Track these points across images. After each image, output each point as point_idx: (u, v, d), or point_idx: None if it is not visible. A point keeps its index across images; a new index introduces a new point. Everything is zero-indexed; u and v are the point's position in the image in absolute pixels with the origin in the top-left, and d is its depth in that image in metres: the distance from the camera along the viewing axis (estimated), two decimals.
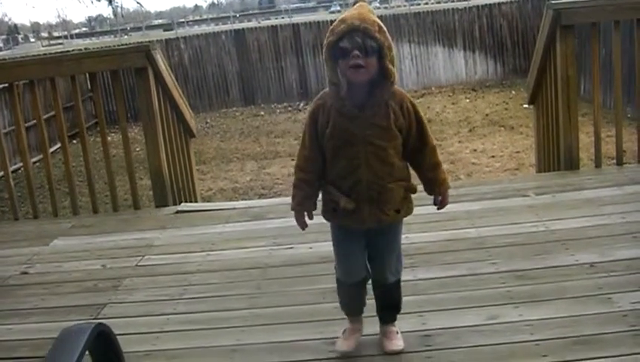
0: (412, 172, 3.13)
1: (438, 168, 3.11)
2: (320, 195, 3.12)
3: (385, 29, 2.84)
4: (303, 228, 3.14)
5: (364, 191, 2.95)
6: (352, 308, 3.32)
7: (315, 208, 3.11)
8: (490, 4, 22.23)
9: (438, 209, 3.18)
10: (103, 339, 1.63)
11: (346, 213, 2.98)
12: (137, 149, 9.34)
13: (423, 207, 4.85)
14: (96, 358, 1.57)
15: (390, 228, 3.12)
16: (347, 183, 2.97)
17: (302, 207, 3.09)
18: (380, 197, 2.97)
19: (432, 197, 3.16)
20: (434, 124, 16.17)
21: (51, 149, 7.10)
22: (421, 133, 3.03)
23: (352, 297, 3.29)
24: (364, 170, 2.93)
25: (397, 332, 3.31)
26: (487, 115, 16.57)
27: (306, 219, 3.11)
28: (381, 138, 2.92)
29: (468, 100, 19.01)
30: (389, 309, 3.33)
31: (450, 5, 22.90)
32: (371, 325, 3.36)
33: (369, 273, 3.24)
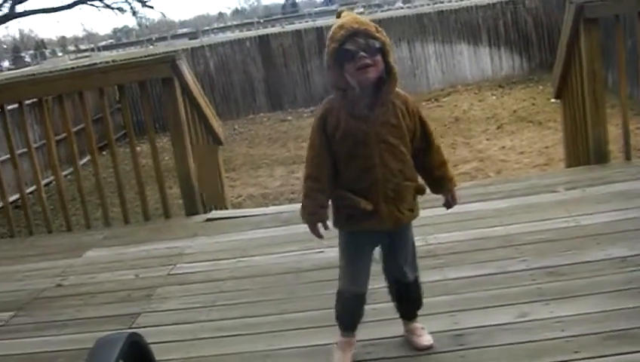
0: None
1: (444, 166, 3.14)
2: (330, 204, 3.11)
3: (381, 29, 2.90)
4: (320, 238, 3.13)
5: (381, 191, 2.96)
6: (350, 321, 3.30)
7: (329, 217, 3.10)
8: (514, 0, 22.13)
9: (448, 208, 3.20)
10: (136, 349, 1.66)
11: (365, 215, 2.98)
12: (166, 158, 9.38)
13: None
14: None
15: (405, 228, 3.14)
16: (363, 184, 2.97)
17: (315, 217, 3.07)
18: (395, 196, 2.99)
19: (443, 198, 3.18)
20: (461, 122, 16.13)
21: (81, 162, 7.17)
22: (426, 133, 3.06)
23: (352, 309, 3.27)
24: (380, 168, 2.94)
25: (423, 328, 3.32)
26: (514, 111, 16.48)
27: (321, 228, 3.10)
28: (393, 135, 2.95)
29: (495, 97, 18.93)
30: (412, 307, 3.34)
31: (473, 2, 22.78)
32: (392, 326, 3.37)
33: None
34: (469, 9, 22.08)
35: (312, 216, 3.08)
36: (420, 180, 3.12)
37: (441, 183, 3.14)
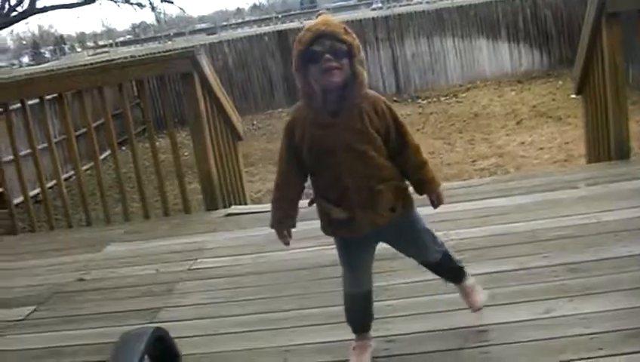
0: None
1: (423, 167, 3.04)
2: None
3: (351, 30, 2.86)
4: (287, 244, 3.14)
5: (354, 198, 2.92)
6: (360, 322, 3.29)
7: (294, 225, 3.11)
8: None
9: (435, 208, 3.12)
10: (162, 344, 1.66)
11: (341, 223, 2.97)
12: (186, 154, 9.40)
13: (471, 202, 4.84)
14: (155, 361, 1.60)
15: (401, 223, 3.08)
16: (335, 193, 2.95)
17: (281, 225, 3.09)
18: (371, 201, 2.93)
19: (430, 198, 3.10)
20: (480, 118, 16.06)
21: (101, 157, 7.20)
22: (400, 134, 2.97)
23: (360, 309, 3.26)
24: (348, 177, 2.90)
25: (472, 288, 3.37)
26: (534, 106, 16.40)
27: (288, 235, 3.11)
28: (360, 141, 2.88)
29: (514, 93, 18.84)
30: (453, 276, 3.37)
31: None
32: (409, 323, 3.36)
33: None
34: (489, 4, 21.97)
35: (278, 225, 3.10)
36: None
37: (421, 185, 3.08)
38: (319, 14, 2.98)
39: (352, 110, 2.88)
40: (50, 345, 3.92)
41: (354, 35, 2.86)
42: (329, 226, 3.06)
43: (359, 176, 2.90)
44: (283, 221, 3.09)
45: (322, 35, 2.79)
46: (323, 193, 3.00)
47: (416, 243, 3.18)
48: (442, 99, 19.08)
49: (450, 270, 3.33)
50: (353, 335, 3.31)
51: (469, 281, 3.36)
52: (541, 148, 12.31)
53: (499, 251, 4.27)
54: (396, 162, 3.00)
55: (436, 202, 3.09)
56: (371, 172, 2.92)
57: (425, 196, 3.09)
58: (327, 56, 2.77)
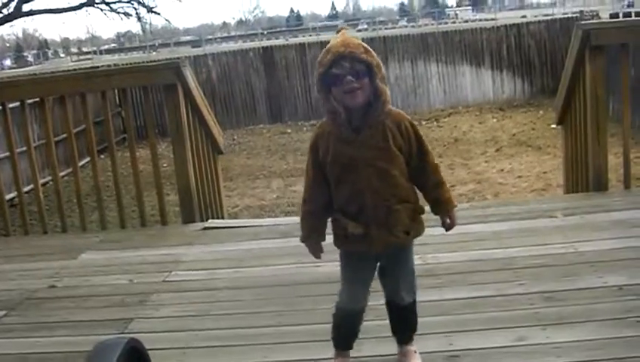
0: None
1: (441, 186, 3.08)
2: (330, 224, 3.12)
3: (370, 49, 2.89)
4: (318, 258, 3.18)
5: (371, 215, 2.94)
6: (346, 338, 3.29)
7: (324, 239, 3.13)
8: (518, 24, 22.27)
9: (447, 230, 3.14)
10: (135, 354, 1.64)
11: (356, 238, 2.98)
12: (164, 165, 9.36)
13: None
14: None
15: (402, 250, 3.11)
16: (353, 208, 2.97)
17: (309, 240, 3.13)
18: (387, 220, 2.95)
19: (441, 219, 3.12)
20: (461, 143, 16.13)
21: (79, 163, 7.15)
22: (422, 152, 3.01)
23: (349, 326, 3.25)
24: (369, 193, 2.92)
25: (415, 352, 3.29)
26: (514, 134, 16.51)
27: (319, 249, 3.15)
28: (382, 159, 2.92)
29: (495, 120, 18.96)
30: (406, 330, 3.31)
31: (478, 24, 22.87)
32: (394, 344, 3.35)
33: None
34: (474, 31, 22.18)
35: (307, 239, 3.15)
36: (422, 199, 3.10)
37: (438, 205, 3.10)
38: (339, 30, 3.01)
39: (375, 127, 2.91)
40: (19, 351, 3.86)
41: (373, 54, 2.89)
42: (345, 241, 3.05)
43: (378, 194, 2.93)
44: (311, 235, 3.12)
45: (342, 56, 2.82)
46: (342, 207, 3.01)
47: (398, 277, 3.17)
48: (424, 122, 19.14)
49: (408, 321, 3.28)
50: (330, 354, 3.29)
51: (413, 346, 3.32)
52: (519, 177, 12.37)
53: (475, 277, 4.26)
54: (416, 181, 3.03)
55: (449, 223, 3.11)
56: (391, 191, 2.94)
57: (437, 217, 3.10)
58: (349, 78, 2.81)
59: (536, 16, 32.55)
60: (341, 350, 3.29)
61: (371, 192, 2.92)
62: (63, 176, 10.44)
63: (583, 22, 5.87)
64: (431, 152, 3.07)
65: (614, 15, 21.10)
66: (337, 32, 3.01)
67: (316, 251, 3.15)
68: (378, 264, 3.16)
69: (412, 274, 3.21)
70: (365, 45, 2.88)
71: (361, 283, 3.16)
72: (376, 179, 2.92)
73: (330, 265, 4.55)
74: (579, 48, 5.83)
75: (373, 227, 2.95)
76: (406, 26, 45.17)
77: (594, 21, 5.63)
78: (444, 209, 3.10)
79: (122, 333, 3.92)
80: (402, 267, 3.16)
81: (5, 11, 21.39)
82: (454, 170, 13.43)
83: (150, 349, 1.91)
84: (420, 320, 3.34)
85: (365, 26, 48.93)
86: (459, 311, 3.80)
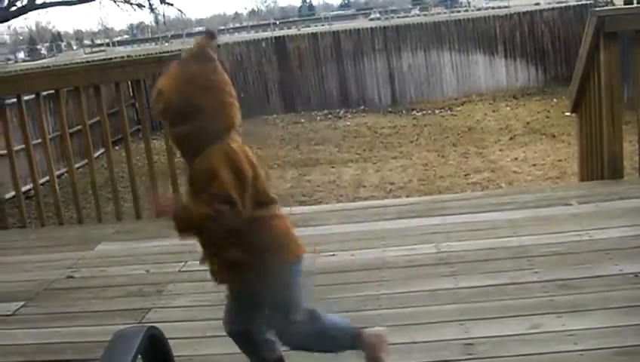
0: None
1: None
2: None
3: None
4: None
5: None
6: None
7: None
8: (531, 11, 22.16)
9: None
10: (155, 343, 1.66)
11: None
12: (178, 156, 9.40)
13: (463, 215, 4.84)
14: (148, 360, 1.60)
15: None
16: None
17: None
18: None
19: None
20: (474, 132, 16.10)
21: (94, 155, 7.19)
22: None
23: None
24: None
25: None
26: (528, 123, 16.46)
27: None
28: None
29: (509, 108, 18.91)
30: None
31: (490, 12, 22.79)
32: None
33: None
34: (487, 19, 22.11)
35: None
36: None
37: None
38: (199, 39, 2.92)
39: None
40: (38, 341, 3.91)
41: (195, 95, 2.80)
42: None
43: None
44: None
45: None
46: None
47: None
48: (437, 111, 19.13)
49: None
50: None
51: None
52: (534, 165, 12.35)
53: (489, 265, 4.27)
54: None
55: None
56: None
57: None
58: None
59: (549, 4, 32.39)
60: None
61: None
62: (78, 168, 10.49)
63: (597, 8, 5.83)
64: None
65: (628, 2, 20.96)
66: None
67: None
68: None
69: None
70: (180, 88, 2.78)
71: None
72: None
73: (344, 254, 4.61)
74: (593, 35, 5.80)
75: None
76: (418, 15, 45.03)
77: (608, 8, 5.60)
78: None
79: (140, 323, 3.95)
80: None
81: (19, 4, 21.41)
82: (468, 159, 13.42)
83: (167, 338, 1.93)
84: (435, 308, 3.36)
85: (378, 15, 48.74)
86: (473, 299, 3.81)
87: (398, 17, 42.86)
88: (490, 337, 3.37)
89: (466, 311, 3.67)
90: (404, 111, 20.33)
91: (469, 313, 3.64)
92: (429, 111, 19.84)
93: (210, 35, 2.86)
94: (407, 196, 10.45)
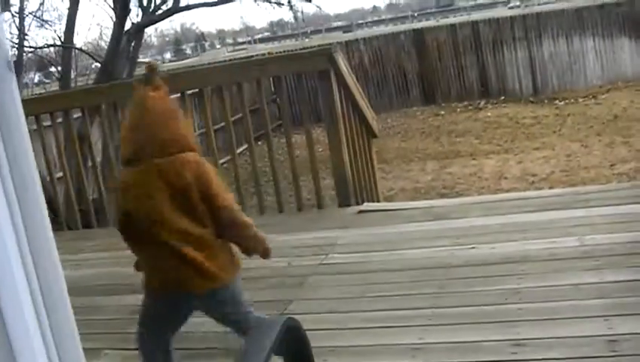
0: None
1: None
2: None
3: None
4: None
5: None
6: None
7: None
8: None
9: None
10: (293, 334, 1.70)
11: None
12: (320, 150, 9.51)
13: (608, 207, 4.70)
14: (286, 350, 1.65)
15: None
16: None
17: None
18: None
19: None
20: (620, 121, 15.56)
21: (237, 150, 7.38)
22: None
23: None
24: None
25: None
26: None
27: None
28: None
29: None
30: None
31: None
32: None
33: None
34: (633, 1, 21.25)
35: None
36: None
37: None
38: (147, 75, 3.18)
39: None
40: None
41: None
42: None
43: None
44: None
45: None
46: None
47: None
48: (580, 100, 18.58)
49: None
50: (483, 337, 3.28)
51: None
52: None
53: (636, 259, 4.11)
54: None
55: None
56: None
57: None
58: None
59: None
60: None
61: None
62: (222, 163, 10.77)
63: None
64: None
65: None
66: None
67: None
68: None
69: None
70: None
71: None
72: None
73: (485, 247, 4.58)
74: None
75: None
76: (557, 1, 43.80)
77: None
78: None
79: (282, 314, 4.04)
80: None
81: (164, 7, 22.17)
82: (614, 149, 12.97)
83: (309, 329, 1.98)
84: (578, 302, 3.29)
85: (517, 3, 47.75)
86: (619, 294, 3.70)
87: (538, 4, 41.80)
88: (636, 334, 3.26)
89: (611, 306, 3.57)
90: (545, 101, 19.83)
91: (615, 308, 3.53)
92: (572, 100, 19.28)
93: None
94: (550, 188, 10.23)
